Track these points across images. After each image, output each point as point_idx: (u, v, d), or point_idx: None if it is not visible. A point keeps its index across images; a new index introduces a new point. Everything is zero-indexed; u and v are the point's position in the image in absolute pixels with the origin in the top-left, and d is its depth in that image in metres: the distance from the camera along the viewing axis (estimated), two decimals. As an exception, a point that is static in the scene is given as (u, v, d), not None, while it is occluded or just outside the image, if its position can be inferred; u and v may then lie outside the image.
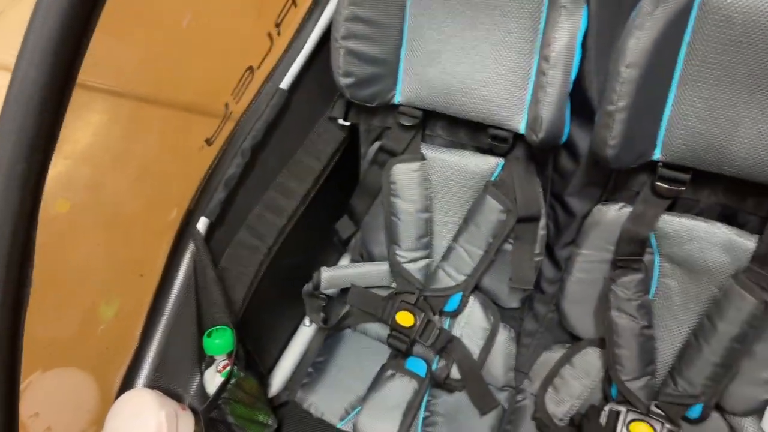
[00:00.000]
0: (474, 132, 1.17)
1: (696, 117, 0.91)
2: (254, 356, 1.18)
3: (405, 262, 1.25)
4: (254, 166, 1.13)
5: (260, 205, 1.18)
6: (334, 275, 1.30)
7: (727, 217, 1.02)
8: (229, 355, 1.07)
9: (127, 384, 1.00)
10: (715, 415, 1.09)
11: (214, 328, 1.07)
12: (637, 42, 0.84)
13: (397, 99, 1.16)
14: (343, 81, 1.10)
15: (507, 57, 1.02)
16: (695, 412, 1.07)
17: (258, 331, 1.22)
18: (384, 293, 1.30)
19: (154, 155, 0.95)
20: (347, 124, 1.25)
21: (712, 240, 0.99)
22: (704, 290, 1.04)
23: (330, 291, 1.36)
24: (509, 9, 0.99)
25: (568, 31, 0.93)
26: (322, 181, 1.26)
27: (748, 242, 0.96)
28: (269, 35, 1.07)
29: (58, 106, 0.57)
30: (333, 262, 1.49)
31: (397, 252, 1.25)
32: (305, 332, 1.40)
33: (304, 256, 1.34)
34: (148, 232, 1.02)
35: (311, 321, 1.39)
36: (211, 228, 1.09)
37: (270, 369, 1.32)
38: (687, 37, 0.87)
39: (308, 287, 1.30)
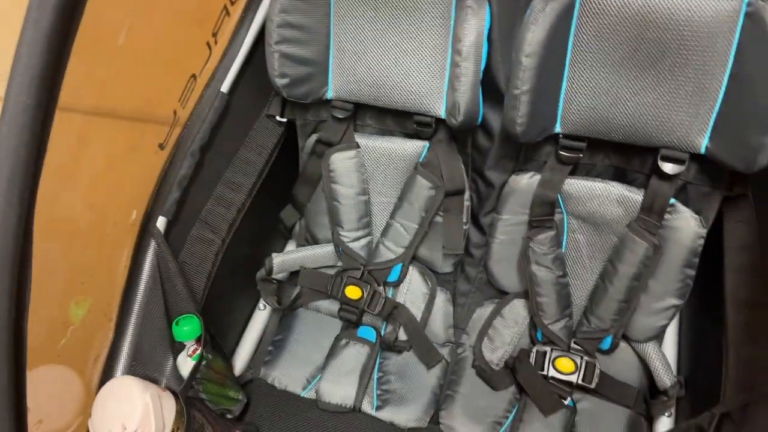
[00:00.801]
0: (400, 120, 1.31)
1: (586, 95, 1.08)
2: (218, 340, 1.28)
3: (348, 242, 1.38)
4: (203, 165, 1.22)
5: (211, 201, 1.27)
6: (284, 260, 1.41)
7: (619, 176, 1.21)
8: (198, 340, 1.17)
9: (107, 375, 1.08)
10: (623, 344, 1.29)
11: (181, 316, 1.16)
12: (533, 35, 0.99)
13: (330, 95, 1.28)
14: (279, 81, 1.21)
15: (424, 53, 1.16)
16: (607, 343, 1.27)
17: (218, 317, 1.32)
18: (331, 272, 1.43)
19: (112, 164, 1.03)
20: (284, 120, 1.36)
21: (609, 196, 1.18)
22: (606, 240, 1.23)
23: (281, 275, 1.47)
24: (422, 11, 1.13)
25: (475, 27, 1.08)
26: (266, 174, 1.37)
27: (636, 196, 1.15)
28: (208, 44, 1.16)
29: (45, 124, 0.66)
30: (280, 249, 1.60)
31: (341, 233, 1.38)
32: (261, 315, 1.51)
33: (254, 244, 1.45)
34: (111, 234, 1.09)
35: (265, 304, 1.50)
36: (170, 225, 1.18)
37: (232, 351, 1.42)
38: (573, 29, 1.03)
39: (261, 273, 1.40)
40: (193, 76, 1.15)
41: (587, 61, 1.05)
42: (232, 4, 1.19)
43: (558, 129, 1.14)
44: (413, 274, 1.40)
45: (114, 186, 1.06)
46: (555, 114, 1.12)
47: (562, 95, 1.10)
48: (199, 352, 1.15)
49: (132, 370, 1.09)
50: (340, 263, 1.43)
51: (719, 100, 1.01)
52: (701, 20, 0.95)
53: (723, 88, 1.00)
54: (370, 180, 1.35)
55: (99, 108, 0.97)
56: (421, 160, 1.28)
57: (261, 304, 1.52)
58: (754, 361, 1.02)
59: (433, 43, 1.15)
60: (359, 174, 1.32)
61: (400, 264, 1.37)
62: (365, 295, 1.37)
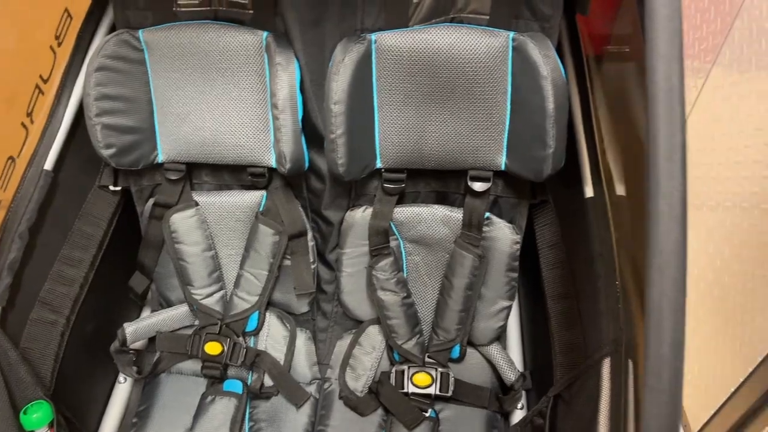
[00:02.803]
0: (236, 173, 1.36)
1: (397, 132, 1.20)
2: (74, 422, 1.23)
3: (202, 299, 1.40)
4: (36, 245, 1.19)
5: (49, 281, 1.24)
6: (137, 328, 1.39)
7: (441, 199, 1.34)
8: (51, 426, 1.13)
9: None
10: (470, 351, 1.40)
11: (30, 404, 1.12)
12: (337, 84, 1.09)
13: (161, 158, 1.31)
14: (106, 152, 1.22)
15: (246, 109, 1.23)
16: (456, 352, 1.37)
17: (75, 398, 1.28)
18: (189, 331, 1.43)
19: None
20: (119, 188, 1.36)
21: (434, 218, 1.30)
22: (439, 258, 1.34)
23: (137, 344, 1.45)
24: (238, 71, 1.20)
25: (287, 82, 1.16)
26: (106, 245, 1.36)
27: (457, 214, 1.28)
28: (23, 124, 1.15)
29: None
30: (135, 317, 1.57)
31: (193, 291, 1.39)
32: (122, 388, 1.47)
33: (106, 317, 1.42)
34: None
35: (125, 376, 1.46)
36: (5, 312, 1.13)
37: (95, 430, 1.37)
38: (374, 74, 1.15)
39: (115, 345, 1.37)
40: (11, 158, 1.13)
41: (392, 101, 1.17)
42: (45, 82, 1.19)
43: (379, 164, 1.24)
44: (271, 320, 1.44)
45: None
46: (374, 151, 1.22)
47: (377, 134, 1.21)
48: (53, 438, 1.11)
49: (-23, 472, 1.03)
50: (197, 321, 1.44)
51: (507, 124, 1.16)
52: (478, 58, 1.10)
53: (508, 113, 1.16)
54: (215, 235, 1.38)
55: None
56: (261, 209, 1.34)
57: (121, 377, 1.48)
58: (572, 344, 1.16)
59: (253, 99, 1.23)
60: (202, 231, 1.35)
61: (257, 312, 1.41)
62: (226, 349, 1.39)
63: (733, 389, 1.42)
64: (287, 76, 1.16)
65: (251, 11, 1.21)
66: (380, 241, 1.30)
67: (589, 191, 1.17)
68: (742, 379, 1.38)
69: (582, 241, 1.18)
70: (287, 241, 1.33)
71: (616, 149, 1.16)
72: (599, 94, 1.22)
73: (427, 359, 1.38)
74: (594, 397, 1.03)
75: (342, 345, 1.45)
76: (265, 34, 1.18)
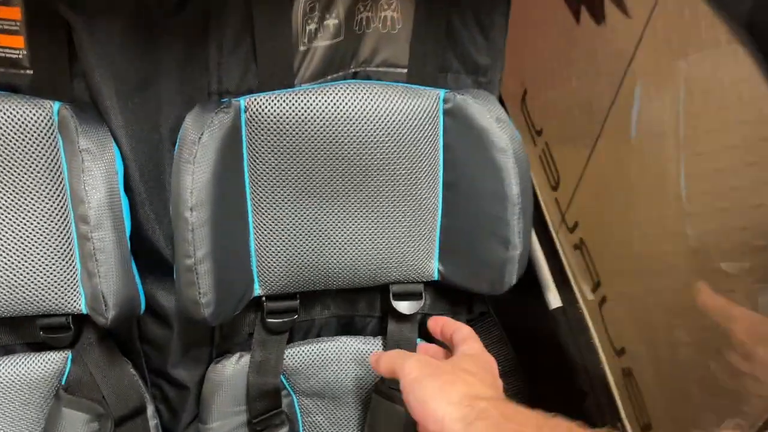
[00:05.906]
0: (19, 328, 0.84)
1: (282, 241, 0.80)
2: None
3: None
4: None
5: None
6: None
7: (344, 327, 0.95)
8: None
9: None
10: None
11: None
12: (194, 178, 0.67)
13: None
14: None
15: (31, 227, 0.74)
16: None
17: None
18: None
19: None
20: None
21: (343, 357, 0.90)
22: (351, 414, 0.94)
23: None
24: (13, 168, 0.72)
25: (102, 178, 0.71)
26: None
27: (374, 347, 0.90)
28: None
29: None
30: None
31: None
32: None
33: None
34: None
35: None
36: None
37: None
38: (245, 159, 0.75)
39: None
40: None
41: (273, 197, 0.78)
42: None
43: (258, 292, 0.82)
44: None
45: None
46: (250, 273, 0.81)
47: (253, 248, 0.80)
48: None
49: None
50: None
51: (439, 216, 0.83)
52: (398, 126, 0.76)
53: (440, 201, 0.83)
54: (-13, 433, 0.84)
55: None
56: (64, 380, 0.83)
57: None
58: None
59: (42, 210, 0.74)
60: (-40, 432, 0.81)
61: None
62: None
63: None
64: (101, 169, 0.71)
65: (30, 71, 0.74)
66: (269, 406, 0.87)
67: (555, 300, 0.87)
68: None
69: (551, 360, 0.87)
70: (113, 427, 0.84)
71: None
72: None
73: None
74: None
75: None
76: (56, 105, 0.72)
